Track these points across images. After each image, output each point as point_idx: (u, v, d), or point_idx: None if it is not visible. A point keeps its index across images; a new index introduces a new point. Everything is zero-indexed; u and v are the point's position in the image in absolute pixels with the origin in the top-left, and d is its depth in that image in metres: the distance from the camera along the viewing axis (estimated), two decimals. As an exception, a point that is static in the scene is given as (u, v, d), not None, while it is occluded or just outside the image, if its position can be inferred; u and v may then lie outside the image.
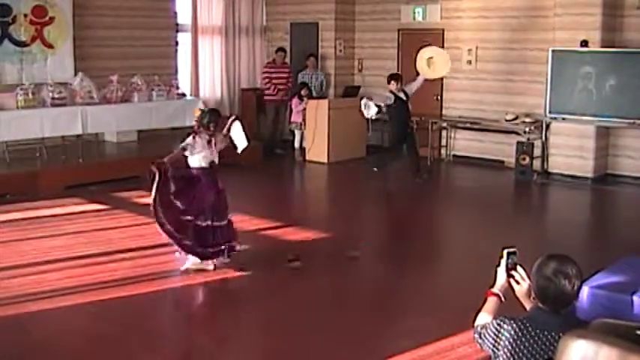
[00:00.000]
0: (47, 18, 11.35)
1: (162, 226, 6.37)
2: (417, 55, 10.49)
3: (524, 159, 10.78)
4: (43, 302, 5.75)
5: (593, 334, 2.64)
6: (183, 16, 13.48)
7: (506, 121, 11.39)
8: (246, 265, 6.59)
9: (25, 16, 11.13)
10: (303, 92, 12.42)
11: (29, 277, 6.34)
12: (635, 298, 4.75)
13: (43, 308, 5.64)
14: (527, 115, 11.26)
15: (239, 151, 6.94)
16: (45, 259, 6.84)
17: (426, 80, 10.45)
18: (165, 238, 6.47)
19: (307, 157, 12.31)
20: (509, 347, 2.91)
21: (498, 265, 3.19)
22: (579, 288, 2.96)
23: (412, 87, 10.47)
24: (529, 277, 3.12)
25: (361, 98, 10.69)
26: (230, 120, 6.91)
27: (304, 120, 12.35)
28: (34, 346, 5.06)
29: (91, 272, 6.48)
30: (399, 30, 13.04)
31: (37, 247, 7.24)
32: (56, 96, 10.16)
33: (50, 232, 7.81)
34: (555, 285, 2.88)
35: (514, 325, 2.93)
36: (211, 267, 6.55)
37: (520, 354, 2.88)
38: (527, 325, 2.91)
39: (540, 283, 2.92)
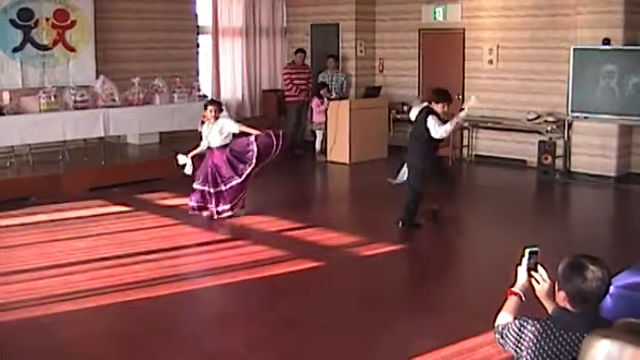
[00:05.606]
0: (69, 21, 11.45)
1: None
2: None
3: (546, 158, 10.72)
4: (68, 303, 5.81)
5: (617, 334, 2.62)
6: (204, 18, 13.55)
7: (528, 120, 11.33)
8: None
9: (47, 19, 11.23)
10: (322, 92, 12.43)
11: (54, 279, 6.41)
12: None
13: (67, 309, 5.70)
14: (549, 115, 11.19)
15: None
16: (69, 261, 6.91)
17: None
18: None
19: (328, 158, 12.30)
20: (533, 348, 2.89)
21: (519, 264, 3.18)
22: (608, 289, 2.94)
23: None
24: (550, 277, 3.11)
25: None
26: None
27: (325, 120, 12.36)
28: (58, 347, 5.10)
29: (114, 274, 6.53)
30: (419, 30, 13.00)
31: (62, 249, 7.31)
32: (78, 99, 10.23)
33: (74, 234, 7.87)
34: (593, 288, 2.84)
35: (537, 326, 2.91)
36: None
37: (544, 354, 2.86)
38: (551, 325, 2.89)
39: (577, 285, 2.85)
